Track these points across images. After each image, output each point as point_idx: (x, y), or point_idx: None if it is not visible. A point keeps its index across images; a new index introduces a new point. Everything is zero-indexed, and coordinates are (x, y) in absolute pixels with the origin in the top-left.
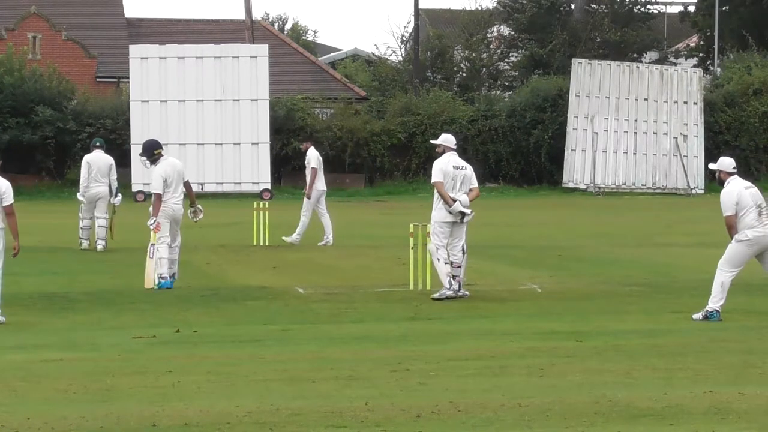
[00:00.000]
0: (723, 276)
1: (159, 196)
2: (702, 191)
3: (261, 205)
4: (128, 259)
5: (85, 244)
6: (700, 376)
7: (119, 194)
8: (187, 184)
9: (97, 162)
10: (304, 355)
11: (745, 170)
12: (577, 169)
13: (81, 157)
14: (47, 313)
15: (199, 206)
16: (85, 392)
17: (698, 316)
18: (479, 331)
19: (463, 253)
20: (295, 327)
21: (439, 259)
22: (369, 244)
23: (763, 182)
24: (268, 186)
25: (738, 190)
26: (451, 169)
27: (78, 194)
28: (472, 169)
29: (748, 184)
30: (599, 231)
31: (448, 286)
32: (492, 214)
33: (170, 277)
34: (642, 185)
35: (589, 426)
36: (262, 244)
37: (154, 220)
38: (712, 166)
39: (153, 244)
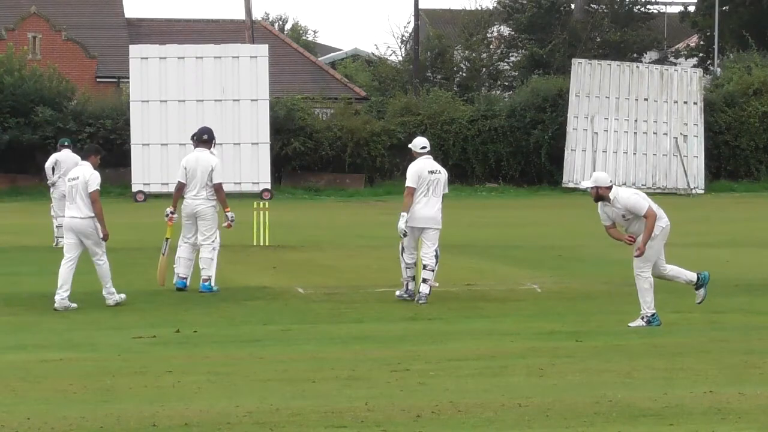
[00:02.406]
0: (647, 280)
1: (178, 185)
2: (702, 191)
3: (261, 205)
4: (128, 259)
5: (62, 242)
6: (700, 376)
7: None
8: (217, 187)
9: (66, 161)
10: (304, 355)
11: (745, 170)
12: (577, 169)
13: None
14: (47, 313)
15: (228, 214)
16: (85, 392)
17: (638, 323)
18: (479, 331)
19: (436, 258)
20: (295, 327)
21: (401, 260)
22: (369, 244)
23: (763, 182)
24: (268, 186)
25: (630, 194)
26: (426, 173)
27: (49, 182)
28: (446, 174)
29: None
30: (599, 231)
31: (402, 290)
32: (492, 214)
33: (207, 279)
34: (642, 185)
35: (589, 426)
36: (262, 244)
37: (169, 211)
38: (584, 184)
39: (167, 239)
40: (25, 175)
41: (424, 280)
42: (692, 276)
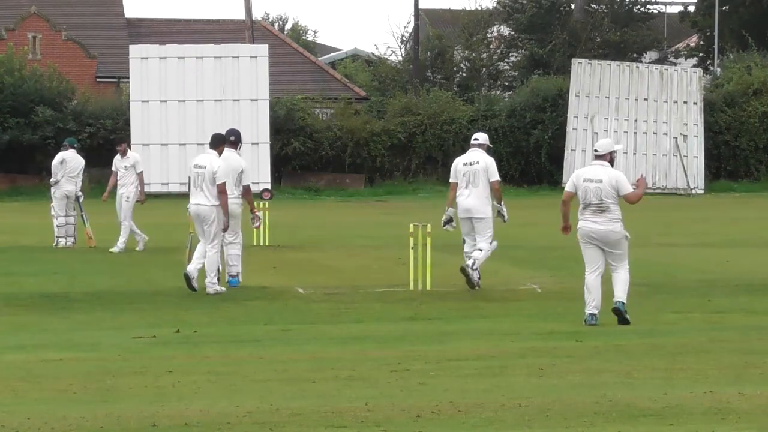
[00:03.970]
0: (586, 279)
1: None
2: (702, 191)
3: (261, 205)
4: (128, 259)
5: (62, 242)
6: (700, 376)
7: (81, 193)
8: (246, 188)
9: (72, 161)
10: (304, 355)
11: (745, 170)
12: (577, 169)
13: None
14: (47, 313)
15: (257, 214)
16: (85, 392)
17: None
18: (479, 331)
19: (491, 244)
20: (295, 327)
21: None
22: (369, 244)
23: (763, 182)
24: (269, 186)
25: (579, 176)
26: (460, 166)
27: (52, 180)
28: (488, 162)
29: (596, 177)
30: None
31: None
32: None
33: (235, 275)
34: None
35: (589, 426)
36: (262, 244)
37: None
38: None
39: (191, 233)
40: (25, 175)
41: (470, 255)
42: (588, 306)
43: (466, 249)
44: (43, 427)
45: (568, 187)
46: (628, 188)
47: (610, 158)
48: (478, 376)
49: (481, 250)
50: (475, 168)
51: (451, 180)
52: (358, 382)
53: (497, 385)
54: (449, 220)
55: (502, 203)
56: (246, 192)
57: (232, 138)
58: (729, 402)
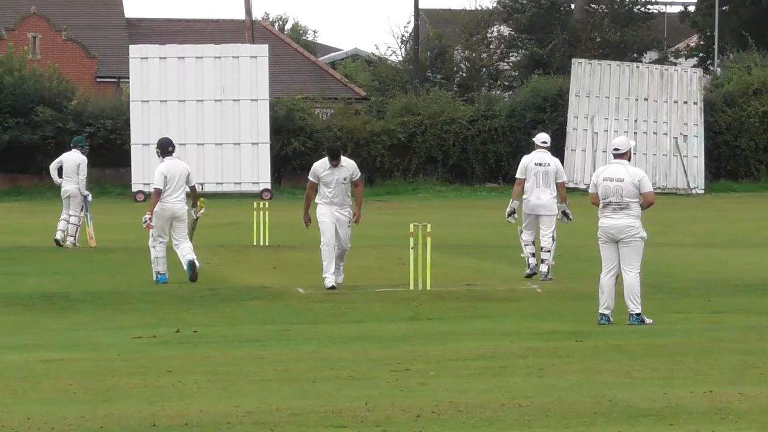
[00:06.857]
0: (601, 280)
1: (156, 191)
2: (702, 191)
3: (261, 205)
4: (128, 259)
5: (70, 241)
6: (700, 376)
7: (89, 192)
8: (194, 187)
9: (68, 161)
10: (304, 355)
11: (745, 170)
12: (577, 169)
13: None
14: (47, 313)
15: (202, 208)
16: (85, 392)
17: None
18: (479, 331)
19: (552, 240)
20: (295, 327)
21: (520, 240)
22: (369, 244)
23: (763, 182)
24: (268, 186)
25: (599, 175)
26: (532, 165)
27: (56, 181)
28: (557, 164)
29: (617, 176)
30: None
31: (527, 265)
32: (492, 214)
33: (192, 260)
34: None
35: (589, 426)
36: (262, 244)
37: (147, 218)
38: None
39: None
40: (25, 175)
41: (543, 260)
42: (601, 306)
43: (524, 237)
44: (43, 427)
45: (591, 189)
46: (649, 187)
47: (628, 156)
48: (478, 376)
49: (549, 251)
50: (546, 169)
51: (518, 176)
52: (358, 382)
53: (497, 385)
54: (512, 212)
55: (567, 203)
56: (194, 190)
57: (170, 149)
58: (729, 402)
